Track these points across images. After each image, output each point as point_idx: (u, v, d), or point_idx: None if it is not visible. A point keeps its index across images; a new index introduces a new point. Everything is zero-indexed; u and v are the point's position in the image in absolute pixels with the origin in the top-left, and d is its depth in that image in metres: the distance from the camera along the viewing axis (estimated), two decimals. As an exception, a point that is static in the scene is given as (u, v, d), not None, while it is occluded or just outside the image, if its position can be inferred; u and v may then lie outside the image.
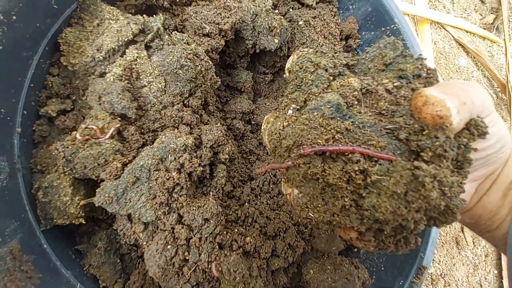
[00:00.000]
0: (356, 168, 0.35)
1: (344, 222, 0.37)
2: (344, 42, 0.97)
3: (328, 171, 0.37)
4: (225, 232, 0.59)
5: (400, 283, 0.69)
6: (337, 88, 0.39)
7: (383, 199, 0.33)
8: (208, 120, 0.71)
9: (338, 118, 0.37)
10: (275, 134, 0.40)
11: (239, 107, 0.86)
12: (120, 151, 0.57)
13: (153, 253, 0.55)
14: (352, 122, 0.37)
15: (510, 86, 1.35)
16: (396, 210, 0.33)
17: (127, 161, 0.57)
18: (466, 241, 1.06)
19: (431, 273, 1.02)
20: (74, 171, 0.56)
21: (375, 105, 0.38)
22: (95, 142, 0.55)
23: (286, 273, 0.67)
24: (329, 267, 0.67)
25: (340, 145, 0.36)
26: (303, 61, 0.42)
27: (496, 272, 1.06)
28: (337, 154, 0.36)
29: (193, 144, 0.59)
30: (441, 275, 0.99)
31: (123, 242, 0.65)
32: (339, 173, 0.36)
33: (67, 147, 0.55)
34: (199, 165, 0.59)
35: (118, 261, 0.64)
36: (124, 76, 0.60)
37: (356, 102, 0.38)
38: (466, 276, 1.01)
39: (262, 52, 0.91)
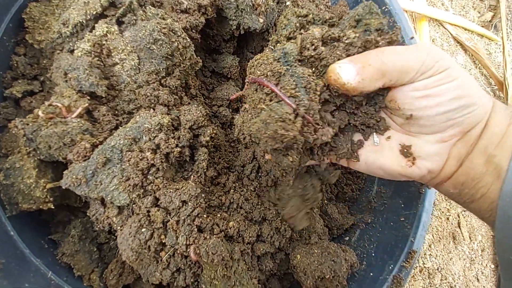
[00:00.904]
0: (262, 97, 0.45)
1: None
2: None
3: (254, 94, 0.46)
4: (205, 216, 0.55)
5: (390, 267, 0.66)
6: (300, 35, 0.45)
7: (259, 121, 0.43)
8: (189, 103, 0.67)
9: (281, 63, 0.44)
10: (251, 66, 0.48)
11: (225, 93, 0.82)
12: (89, 131, 0.53)
13: (126, 236, 0.51)
14: (287, 69, 0.43)
15: (507, 84, 1.33)
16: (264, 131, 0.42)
17: (98, 142, 0.53)
18: (463, 236, 1.06)
19: (428, 268, 1.01)
20: (38, 151, 0.51)
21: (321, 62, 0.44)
22: (60, 121, 0.51)
23: (273, 259, 0.64)
24: (316, 251, 0.63)
25: (265, 80, 0.44)
26: (288, 12, 0.48)
27: (492, 266, 1.05)
28: (262, 86, 0.45)
29: (169, 123, 0.55)
30: (438, 269, 0.98)
31: (99, 231, 0.60)
32: (258, 96, 0.45)
33: (28, 124, 0.50)
34: (177, 145, 0.55)
35: (95, 250, 0.60)
36: (93, 52, 0.55)
37: (312, 50, 0.43)
38: (462, 270, 1.01)
39: (249, 36, 0.87)
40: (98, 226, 0.55)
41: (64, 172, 0.51)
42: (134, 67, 0.58)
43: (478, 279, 1.02)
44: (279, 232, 0.62)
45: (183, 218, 0.52)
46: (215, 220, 0.56)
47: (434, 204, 1.00)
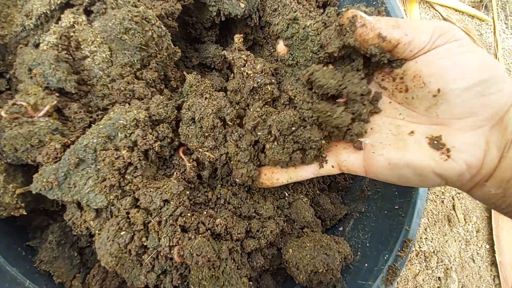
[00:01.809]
0: None
1: None
2: (321, 10, 0.88)
3: None
4: (189, 214, 0.51)
5: (385, 257, 0.63)
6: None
7: None
8: (171, 96, 0.63)
9: None
10: None
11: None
12: (60, 130, 0.48)
13: (104, 241, 0.47)
14: None
15: None
16: None
17: (70, 142, 0.49)
18: (458, 218, 1.04)
19: (424, 251, 1.00)
20: (4, 155, 0.47)
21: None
22: (26, 121, 0.46)
23: (264, 255, 0.60)
24: (308, 244, 0.60)
25: None
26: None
27: (487, 246, 1.05)
28: None
29: (146, 119, 0.51)
30: (434, 252, 0.97)
31: (79, 234, 0.56)
32: None
33: (-12, 126, 0.46)
34: (155, 141, 0.50)
35: (76, 254, 0.56)
36: (60, 45, 0.50)
37: None
38: (458, 252, 1.00)
39: (232, 24, 0.82)
40: (76, 231, 0.52)
41: (33, 176, 0.47)
42: (106, 60, 0.54)
43: (473, 260, 1.01)
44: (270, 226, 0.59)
45: (165, 218, 0.48)
46: (201, 218, 0.53)
47: (428, 188, 0.98)
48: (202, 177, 0.60)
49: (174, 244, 0.48)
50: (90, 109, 0.54)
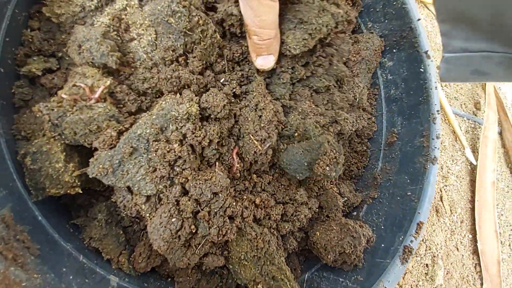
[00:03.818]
0: None
1: None
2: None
3: None
4: (234, 203, 0.52)
5: (401, 238, 0.67)
6: None
7: None
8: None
9: None
10: None
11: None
12: (116, 117, 0.47)
13: (156, 227, 0.48)
14: None
15: None
16: None
17: (124, 129, 0.48)
18: (445, 209, 1.08)
19: None
20: (63, 136, 0.46)
21: None
22: (86, 105, 0.45)
23: (295, 238, 0.63)
24: (334, 228, 0.63)
25: None
26: None
27: (470, 236, 1.09)
28: None
29: (197, 112, 0.50)
30: (422, 240, 1.01)
31: (124, 215, 0.57)
32: None
33: (52, 109, 0.44)
34: (204, 137, 0.50)
35: (121, 233, 0.57)
36: (112, 26, 0.48)
37: None
38: (444, 241, 1.04)
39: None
40: (126, 212, 0.52)
41: (90, 161, 0.46)
42: (151, 43, 0.52)
43: (457, 248, 1.06)
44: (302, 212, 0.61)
45: (215, 210, 0.49)
46: (244, 203, 0.54)
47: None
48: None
49: (223, 233, 0.50)
50: (132, 92, 0.54)
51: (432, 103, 0.75)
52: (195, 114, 0.49)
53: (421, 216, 0.69)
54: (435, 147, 0.73)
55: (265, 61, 0.54)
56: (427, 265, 0.98)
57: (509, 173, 1.29)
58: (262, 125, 0.53)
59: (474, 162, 1.16)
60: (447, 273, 1.00)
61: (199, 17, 0.53)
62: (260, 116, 0.53)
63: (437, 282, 0.95)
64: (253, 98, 0.54)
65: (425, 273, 0.97)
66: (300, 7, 0.54)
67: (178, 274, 0.58)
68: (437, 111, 0.75)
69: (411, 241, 0.65)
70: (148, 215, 0.51)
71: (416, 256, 0.99)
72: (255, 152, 0.53)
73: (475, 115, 1.30)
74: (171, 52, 0.53)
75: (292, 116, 0.58)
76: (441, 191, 1.11)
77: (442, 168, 1.12)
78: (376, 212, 0.77)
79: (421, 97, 0.78)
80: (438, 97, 0.76)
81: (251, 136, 0.53)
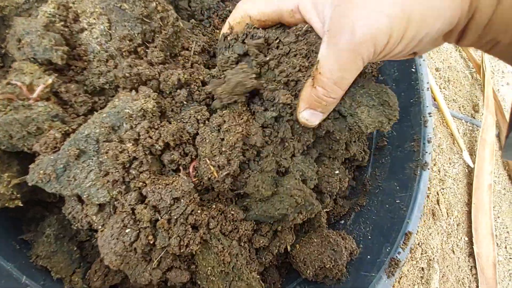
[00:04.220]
0: None
1: None
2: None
3: None
4: (199, 211, 0.46)
5: (387, 249, 0.62)
6: None
7: None
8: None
9: None
10: None
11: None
12: (60, 117, 0.42)
13: (107, 239, 0.41)
14: None
15: (484, 67, 1.28)
16: None
17: (70, 130, 0.42)
18: (441, 212, 1.05)
19: (410, 243, 0.99)
20: (-2, 141, 0.40)
21: None
22: (22, 105, 0.40)
23: (271, 251, 0.57)
24: (315, 240, 0.57)
25: None
26: None
27: (466, 239, 1.07)
28: None
29: (154, 109, 0.45)
30: (418, 244, 0.98)
31: (79, 229, 0.51)
32: None
33: (-20, 110, 0.39)
34: (157, 139, 0.44)
35: (75, 249, 0.51)
36: (57, 16, 0.43)
37: None
38: (440, 244, 1.01)
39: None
40: (76, 225, 0.46)
41: (30, 167, 0.41)
42: (104, 32, 0.46)
43: (453, 251, 1.03)
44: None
45: (175, 217, 0.43)
46: (211, 212, 0.48)
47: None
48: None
49: (184, 244, 0.44)
50: (86, 88, 0.48)
51: (424, 105, 0.71)
52: (151, 110, 0.43)
53: (410, 225, 0.63)
54: (427, 152, 0.68)
55: (313, 117, 0.46)
56: (422, 268, 0.95)
57: (506, 176, 1.27)
58: (224, 149, 0.46)
59: (472, 165, 1.14)
60: (442, 276, 0.97)
61: (157, 2, 0.48)
62: (222, 139, 0.46)
63: (432, 286, 0.92)
64: (219, 117, 0.47)
65: (421, 276, 0.94)
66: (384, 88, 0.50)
67: (140, 293, 0.51)
68: (429, 113, 0.70)
69: (399, 253, 0.60)
70: (100, 227, 0.45)
71: (411, 260, 0.96)
72: (209, 178, 0.47)
73: (473, 117, 1.28)
74: (128, 42, 0.48)
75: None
76: (438, 194, 1.08)
77: (439, 171, 1.10)
78: (364, 221, 0.71)
79: (412, 99, 0.73)
80: (430, 99, 0.71)
81: (207, 160, 0.46)
